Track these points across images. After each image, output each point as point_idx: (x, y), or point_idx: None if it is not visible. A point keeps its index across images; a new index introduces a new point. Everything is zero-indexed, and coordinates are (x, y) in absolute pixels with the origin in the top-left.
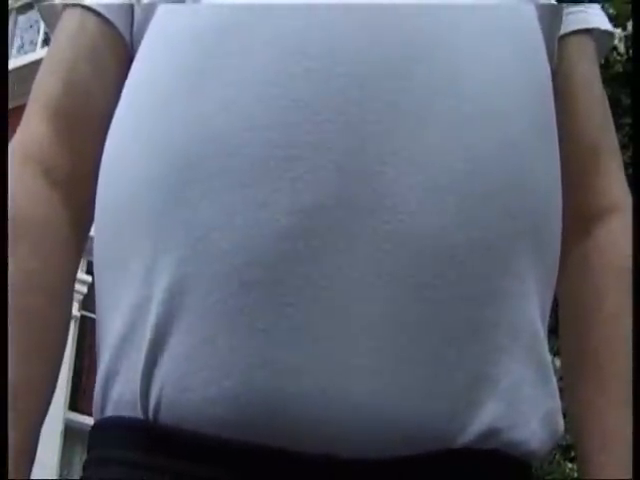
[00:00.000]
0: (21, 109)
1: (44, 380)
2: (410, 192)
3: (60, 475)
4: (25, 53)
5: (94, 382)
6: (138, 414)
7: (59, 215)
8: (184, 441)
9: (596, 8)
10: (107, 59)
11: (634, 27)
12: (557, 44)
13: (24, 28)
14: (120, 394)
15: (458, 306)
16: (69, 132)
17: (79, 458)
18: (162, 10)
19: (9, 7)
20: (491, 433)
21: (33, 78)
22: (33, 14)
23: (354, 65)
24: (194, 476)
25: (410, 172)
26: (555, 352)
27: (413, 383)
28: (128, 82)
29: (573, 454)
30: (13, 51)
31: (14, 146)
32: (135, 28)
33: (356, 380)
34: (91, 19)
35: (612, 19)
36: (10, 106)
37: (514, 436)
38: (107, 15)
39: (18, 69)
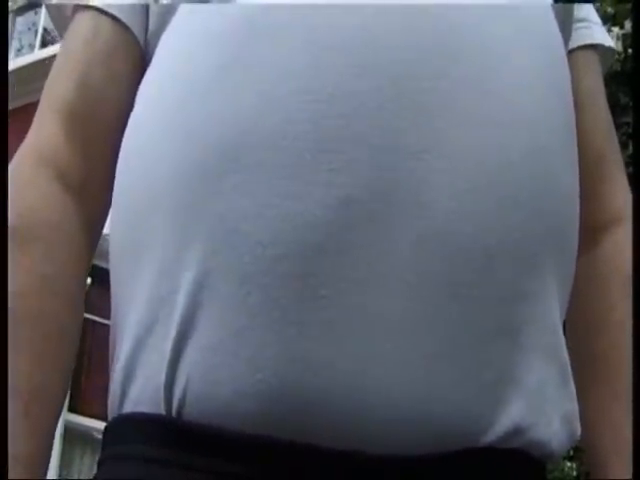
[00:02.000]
0: (20, 110)
1: (59, 385)
2: (444, 190)
3: (59, 476)
4: (23, 55)
5: (93, 384)
6: (160, 410)
7: (73, 219)
8: (211, 437)
9: (598, 24)
10: (122, 63)
11: (633, 27)
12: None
13: (22, 30)
14: (142, 389)
15: (489, 305)
16: (83, 136)
17: (78, 459)
18: (186, 10)
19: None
20: (516, 432)
21: (31, 80)
22: (31, 16)
23: (389, 63)
24: (221, 473)
25: (444, 170)
26: None
27: (443, 381)
28: (149, 80)
29: (572, 453)
30: (11, 53)
31: (27, 148)
32: (150, 31)
33: (387, 376)
34: (105, 22)
35: (610, 18)
36: (9, 107)
37: (537, 436)
38: (122, 18)
39: (16, 71)
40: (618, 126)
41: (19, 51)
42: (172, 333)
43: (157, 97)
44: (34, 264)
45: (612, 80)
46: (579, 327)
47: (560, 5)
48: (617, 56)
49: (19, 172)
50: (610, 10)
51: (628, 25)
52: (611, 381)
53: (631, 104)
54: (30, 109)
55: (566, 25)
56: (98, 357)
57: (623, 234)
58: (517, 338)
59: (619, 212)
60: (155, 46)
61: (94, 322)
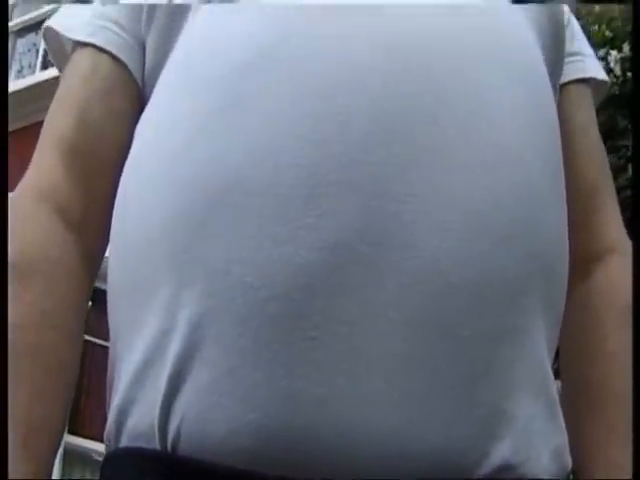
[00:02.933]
0: (20, 132)
1: (57, 418)
2: (432, 232)
3: None
4: (24, 77)
5: (92, 406)
6: (155, 445)
7: (73, 254)
8: (204, 472)
9: (591, 57)
10: (120, 100)
11: (633, 49)
12: (558, 91)
13: (23, 52)
14: (137, 424)
15: (477, 344)
16: (82, 171)
17: None
18: (182, 52)
19: (7, 30)
20: (506, 467)
21: (32, 101)
22: (32, 37)
23: (377, 109)
24: None
25: (432, 213)
26: (555, 374)
27: (434, 417)
28: (146, 118)
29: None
30: (12, 74)
31: (27, 183)
32: (148, 68)
33: (378, 413)
34: (104, 60)
35: (608, 41)
36: (10, 129)
37: (527, 470)
38: (120, 57)
39: (17, 92)
40: (616, 149)
41: (19, 72)
42: (168, 371)
43: (154, 139)
44: (34, 298)
45: (610, 104)
46: (573, 356)
47: (551, 41)
48: (615, 79)
49: (20, 207)
50: (608, 34)
51: (626, 48)
52: (606, 412)
53: (629, 127)
54: (30, 131)
55: (557, 61)
56: (97, 379)
57: (616, 265)
58: (506, 375)
59: (612, 243)
60: (152, 83)
61: (93, 344)
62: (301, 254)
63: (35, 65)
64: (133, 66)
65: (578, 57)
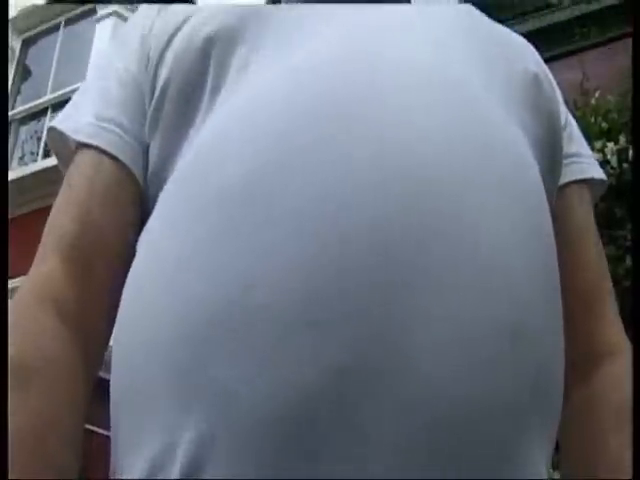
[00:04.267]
0: (22, 219)
1: None
2: (430, 359)
3: None
4: (26, 164)
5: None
6: None
7: (74, 356)
8: None
9: (589, 156)
10: (122, 203)
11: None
12: (556, 192)
13: (25, 139)
14: None
15: (473, 467)
16: (83, 274)
17: None
18: (184, 166)
19: (10, 118)
20: None
21: (34, 189)
22: (34, 125)
23: (377, 233)
24: None
25: (430, 340)
26: (555, 466)
27: None
28: (150, 229)
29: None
30: (14, 162)
31: (29, 285)
32: (150, 171)
33: None
34: (106, 162)
35: (605, 133)
36: (10, 216)
37: None
38: (123, 159)
39: (19, 180)
40: (615, 239)
41: (21, 159)
42: None
43: (156, 254)
44: (34, 404)
45: (608, 195)
46: (573, 454)
47: (548, 150)
48: (612, 171)
49: (21, 309)
50: (604, 126)
51: (622, 140)
52: None
53: (627, 217)
54: (32, 218)
55: (555, 167)
56: (97, 469)
57: (615, 369)
58: None
59: (610, 347)
60: (155, 186)
61: (92, 432)
62: (302, 378)
63: (37, 153)
64: (135, 168)
65: (576, 158)
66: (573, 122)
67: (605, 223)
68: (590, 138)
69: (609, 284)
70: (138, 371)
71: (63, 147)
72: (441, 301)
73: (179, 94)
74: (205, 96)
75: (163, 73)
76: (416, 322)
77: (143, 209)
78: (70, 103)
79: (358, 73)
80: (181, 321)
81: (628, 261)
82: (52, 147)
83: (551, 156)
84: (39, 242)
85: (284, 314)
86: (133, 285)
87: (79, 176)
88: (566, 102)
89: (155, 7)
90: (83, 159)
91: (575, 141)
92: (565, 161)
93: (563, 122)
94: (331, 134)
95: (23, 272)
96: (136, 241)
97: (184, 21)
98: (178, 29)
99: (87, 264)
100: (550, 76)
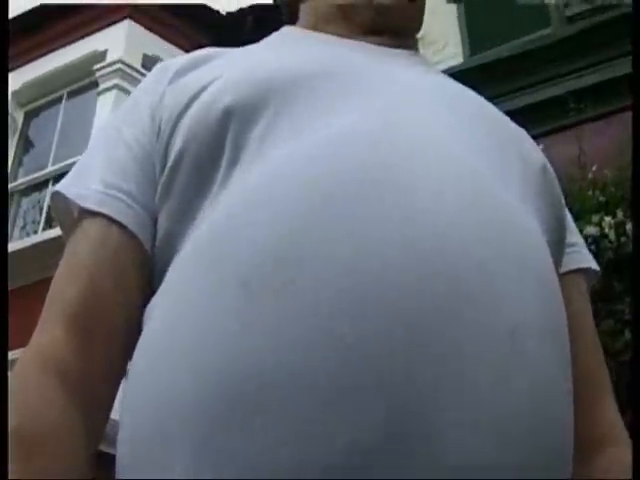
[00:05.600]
0: (22, 290)
1: None
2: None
3: None
4: (27, 234)
5: None
6: None
7: (76, 428)
8: None
9: (584, 246)
10: (129, 272)
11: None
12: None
13: (27, 209)
14: None
15: None
16: (87, 344)
17: None
18: (202, 237)
19: (12, 190)
20: None
21: (35, 260)
22: (36, 196)
23: (401, 308)
24: None
25: (456, 423)
26: None
27: None
28: (161, 301)
29: None
30: (16, 232)
31: (31, 353)
32: (158, 238)
33: None
34: (114, 231)
35: (603, 207)
36: (11, 287)
37: None
38: (131, 228)
39: (19, 251)
40: (613, 313)
41: (23, 229)
42: None
43: (172, 326)
44: (35, 476)
45: (606, 268)
46: None
47: (557, 230)
48: (610, 244)
49: (23, 378)
50: (602, 199)
51: (620, 214)
52: None
53: (626, 291)
54: (33, 289)
55: (559, 254)
56: None
57: (615, 456)
58: None
59: (608, 433)
60: (164, 256)
61: None
62: (324, 454)
63: (39, 222)
64: (144, 237)
65: (575, 248)
66: (569, 214)
67: (604, 297)
68: (587, 212)
69: (605, 372)
70: (150, 443)
71: (66, 212)
72: (469, 378)
73: (194, 165)
74: (221, 169)
75: (177, 143)
76: (442, 405)
77: (150, 277)
78: (75, 169)
79: (378, 153)
80: (198, 394)
81: (627, 335)
82: (55, 212)
83: (558, 243)
84: (39, 314)
85: (305, 391)
86: (145, 357)
87: (85, 244)
88: (563, 176)
89: (166, 74)
90: (89, 227)
91: (572, 230)
92: (566, 250)
93: (564, 211)
94: (357, 214)
95: (23, 344)
96: (143, 307)
97: (200, 91)
98: (193, 99)
99: (91, 334)
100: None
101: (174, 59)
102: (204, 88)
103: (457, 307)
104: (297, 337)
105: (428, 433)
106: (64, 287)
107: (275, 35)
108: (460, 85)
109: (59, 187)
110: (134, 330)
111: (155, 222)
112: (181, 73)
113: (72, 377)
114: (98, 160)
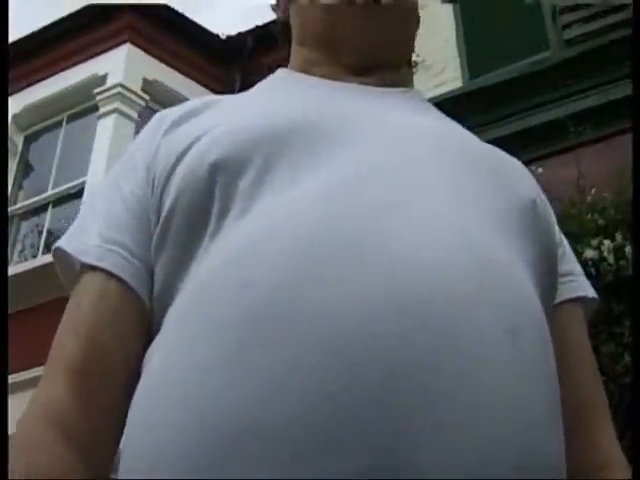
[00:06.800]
0: (21, 314)
1: None
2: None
3: None
4: (26, 258)
5: None
6: None
7: (81, 477)
8: None
9: (581, 274)
10: (129, 325)
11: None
12: (552, 309)
13: (26, 233)
14: None
15: None
16: (90, 397)
17: None
18: (193, 288)
19: (11, 214)
20: None
21: (33, 284)
22: (35, 220)
23: (385, 359)
24: None
25: (445, 462)
26: None
27: None
28: (155, 350)
29: None
30: (14, 255)
31: (35, 407)
32: (156, 292)
33: None
34: (113, 285)
35: (602, 231)
36: (10, 311)
37: None
38: (129, 281)
39: (18, 275)
40: (613, 336)
41: (21, 252)
42: None
43: (170, 371)
44: None
45: (606, 292)
46: None
47: (546, 266)
48: (609, 267)
49: (27, 432)
50: (601, 222)
51: (619, 237)
52: None
53: (625, 314)
54: (31, 313)
55: (551, 288)
56: None
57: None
58: None
59: (606, 459)
60: (161, 306)
61: None
62: None
63: (38, 246)
64: (141, 290)
65: (571, 277)
66: (565, 240)
67: (603, 320)
68: (586, 235)
69: (604, 400)
70: None
71: (68, 267)
72: (454, 424)
73: (185, 217)
74: (211, 220)
75: (170, 194)
76: (431, 445)
77: (149, 326)
78: (75, 224)
79: (366, 206)
80: (192, 445)
81: (627, 358)
82: (58, 267)
83: (548, 278)
84: (38, 338)
85: (298, 437)
86: (145, 399)
87: (85, 298)
88: (562, 199)
89: (162, 126)
90: (89, 281)
91: (569, 259)
92: (561, 279)
93: (558, 240)
94: (344, 268)
95: (23, 367)
96: (143, 357)
97: (192, 144)
98: (185, 152)
99: (94, 389)
100: (543, 196)
101: (171, 109)
102: (197, 138)
103: (439, 361)
104: (290, 387)
105: (414, 473)
106: (65, 341)
107: (269, 80)
108: (448, 120)
109: (60, 243)
110: (135, 377)
111: (152, 273)
112: (177, 123)
113: (77, 432)
114: (96, 215)
